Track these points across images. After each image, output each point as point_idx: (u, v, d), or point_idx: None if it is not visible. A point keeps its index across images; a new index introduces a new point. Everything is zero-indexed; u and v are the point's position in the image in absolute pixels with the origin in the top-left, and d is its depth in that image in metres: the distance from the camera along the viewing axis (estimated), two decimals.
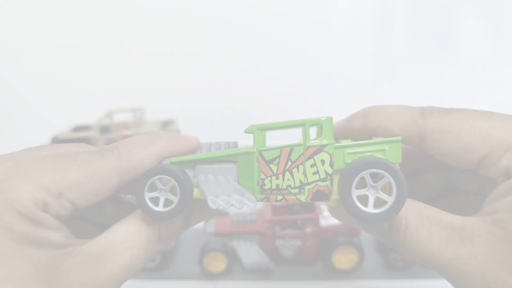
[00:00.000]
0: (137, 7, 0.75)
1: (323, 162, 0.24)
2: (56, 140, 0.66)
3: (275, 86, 0.74)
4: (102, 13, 0.75)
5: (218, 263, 0.50)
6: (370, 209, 0.23)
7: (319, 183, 0.24)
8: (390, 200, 0.22)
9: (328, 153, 0.24)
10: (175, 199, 0.25)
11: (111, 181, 0.24)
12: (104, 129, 0.65)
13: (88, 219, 0.30)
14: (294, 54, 0.75)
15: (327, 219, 0.51)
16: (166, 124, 0.66)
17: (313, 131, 0.25)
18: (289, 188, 0.25)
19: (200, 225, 0.59)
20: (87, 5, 0.75)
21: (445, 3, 0.73)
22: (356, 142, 0.24)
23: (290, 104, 0.71)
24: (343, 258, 0.49)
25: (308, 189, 0.24)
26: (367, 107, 0.27)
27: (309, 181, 0.24)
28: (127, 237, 0.24)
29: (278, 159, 0.25)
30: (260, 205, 0.55)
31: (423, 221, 0.22)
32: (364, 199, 0.23)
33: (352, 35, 0.74)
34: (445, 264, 0.21)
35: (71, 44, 0.77)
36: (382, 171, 0.22)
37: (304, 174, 0.24)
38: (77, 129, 0.68)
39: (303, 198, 0.25)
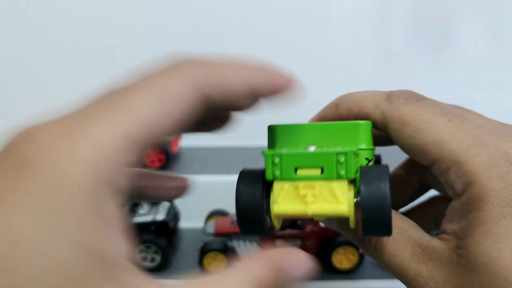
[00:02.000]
0: (136, 5, 0.75)
1: None
2: None
3: None
4: (101, 12, 0.75)
5: (217, 263, 0.50)
6: None
7: None
8: None
9: None
10: None
11: (187, 97, 0.17)
12: None
13: None
14: (292, 52, 0.75)
15: None
16: None
17: None
18: None
19: (200, 225, 0.59)
20: (87, 3, 0.75)
21: (445, 2, 0.72)
22: None
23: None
24: (343, 258, 0.49)
25: None
26: (341, 95, 0.26)
27: None
28: None
29: None
30: None
31: (394, 234, 0.22)
32: None
33: (352, 36, 0.74)
34: (408, 279, 0.22)
35: (70, 43, 0.77)
36: None
37: None
38: None
39: None
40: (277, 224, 0.23)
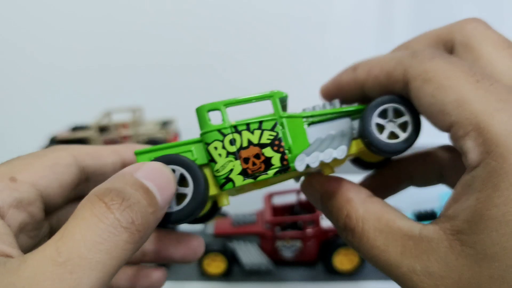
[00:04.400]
0: (135, 7, 0.74)
1: None
2: (54, 140, 0.65)
3: (276, 83, 0.73)
4: (100, 12, 0.75)
5: (217, 264, 0.49)
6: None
7: None
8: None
9: None
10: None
11: (63, 158, 0.23)
12: (103, 129, 0.64)
13: None
14: (293, 51, 0.74)
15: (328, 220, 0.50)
16: (165, 124, 0.66)
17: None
18: None
19: (200, 226, 0.58)
20: (86, 4, 0.75)
21: (447, 1, 0.72)
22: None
23: (291, 100, 0.71)
24: (344, 259, 0.49)
25: None
26: (359, 61, 0.24)
27: None
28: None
29: None
30: (260, 205, 0.54)
31: (381, 227, 0.20)
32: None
33: (352, 34, 0.74)
34: (399, 277, 0.19)
35: (69, 44, 0.76)
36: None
37: None
38: (76, 129, 0.67)
39: None
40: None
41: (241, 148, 0.22)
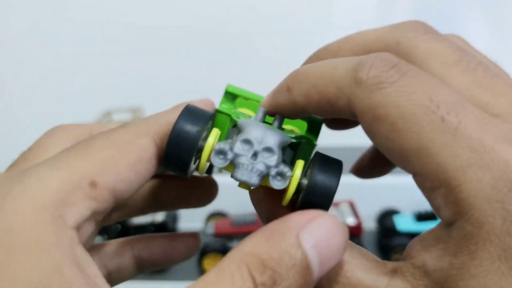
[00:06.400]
0: (136, 7, 0.74)
1: None
2: None
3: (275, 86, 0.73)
4: (101, 12, 0.75)
5: None
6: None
7: None
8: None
9: None
10: None
11: (146, 150, 0.18)
12: None
13: None
14: (294, 52, 0.74)
15: None
16: None
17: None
18: None
19: (200, 225, 0.58)
20: (87, 4, 0.75)
21: (447, 2, 0.72)
22: None
23: None
24: None
25: None
26: (293, 71, 0.19)
27: None
28: None
29: None
30: None
31: (338, 278, 0.17)
32: None
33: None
34: None
35: (69, 44, 0.76)
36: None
37: None
38: None
39: None
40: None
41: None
